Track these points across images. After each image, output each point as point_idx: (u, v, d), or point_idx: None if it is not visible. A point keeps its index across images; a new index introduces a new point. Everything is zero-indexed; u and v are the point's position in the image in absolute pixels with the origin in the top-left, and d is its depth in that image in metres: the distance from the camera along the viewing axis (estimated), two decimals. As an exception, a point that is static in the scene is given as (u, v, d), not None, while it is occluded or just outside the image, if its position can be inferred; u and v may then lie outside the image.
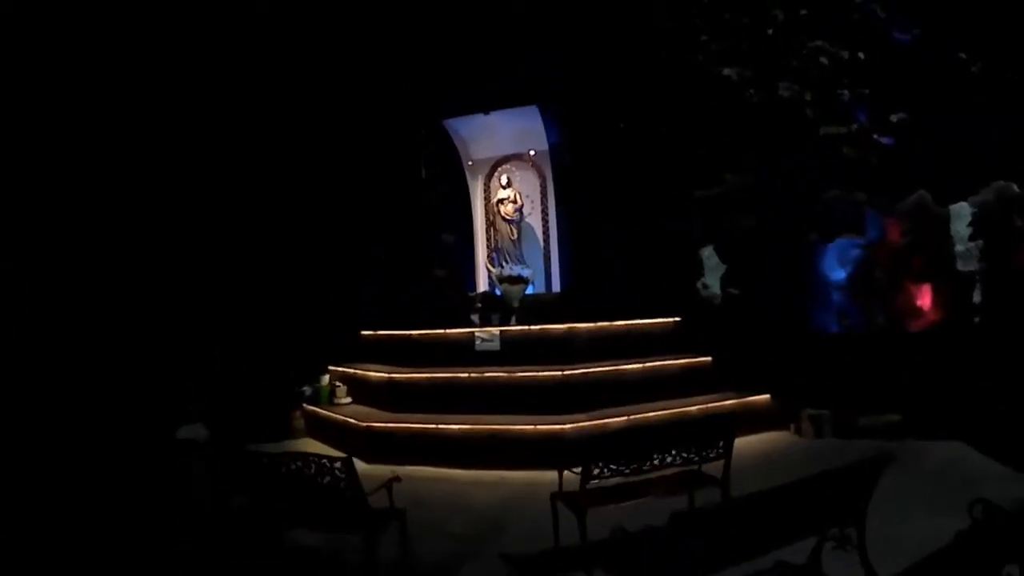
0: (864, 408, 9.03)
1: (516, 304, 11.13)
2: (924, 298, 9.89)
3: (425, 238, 12.87)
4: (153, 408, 10.29)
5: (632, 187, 11.51)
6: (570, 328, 9.71)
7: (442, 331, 10.27)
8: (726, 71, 10.83)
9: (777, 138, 10.67)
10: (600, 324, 9.96)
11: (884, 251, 10.14)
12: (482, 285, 13.14)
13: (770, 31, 10.97)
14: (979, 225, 9.61)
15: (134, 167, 11.15)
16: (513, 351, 9.62)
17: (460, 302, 12.02)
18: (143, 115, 11.25)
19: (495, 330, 9.90)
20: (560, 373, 8.89)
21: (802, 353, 9.75)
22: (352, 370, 10.91)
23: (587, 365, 9.22)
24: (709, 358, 9.90)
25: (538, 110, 11.86)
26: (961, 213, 9.69)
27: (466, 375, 9.31)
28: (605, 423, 8.40)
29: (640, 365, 9.45)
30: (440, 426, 8.64)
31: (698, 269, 10.92)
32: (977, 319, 9.49)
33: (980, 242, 9.58)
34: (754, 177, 10.80)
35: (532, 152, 12.86)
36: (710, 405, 9.08)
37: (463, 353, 9.84)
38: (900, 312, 9.92)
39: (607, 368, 9.23)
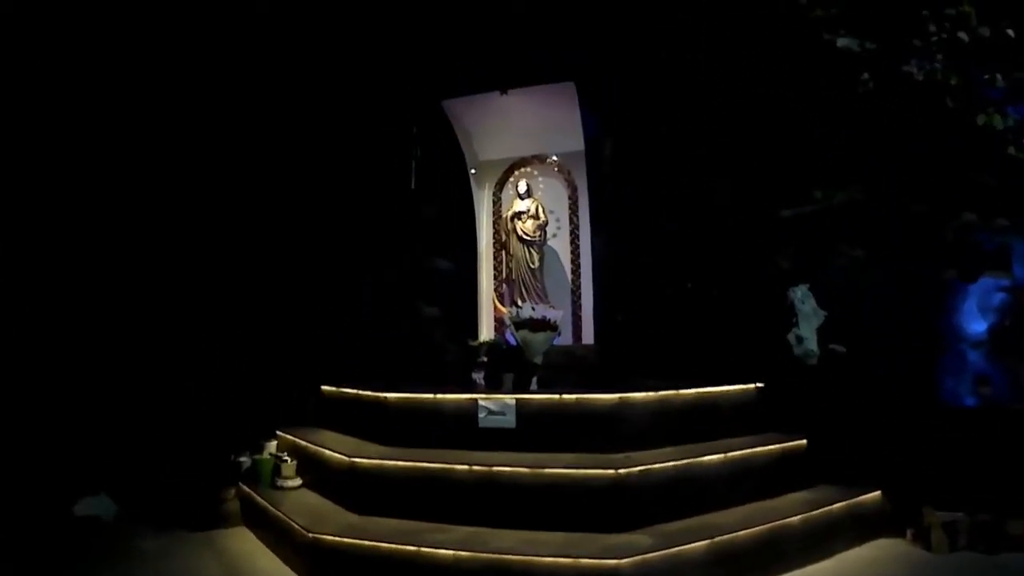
0: (1013, 510, 7.19)
1: (539, 360, 8.44)
2: (1091, 360, 8.11)
3: (412, 264, 10.54)
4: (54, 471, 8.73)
5: (696, 202, 9.37)
6: (622, 399, 7.11)
7: (431, 396, 7.67)
8: (841, 41, 8.53)
9: (901, 138, 8.52)
10: (663, 393, 7.44)
11: (1037, 296, 8.51)
12: (486, 330, 10.83)
13: None
14: None
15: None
16: (536, 431, 7.11)
17: (457, 354, 9.61)
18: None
19: (508, 398, 7.28)
20: (611, 471, 6.27)
21: (925, 433, 7.94)
22: (304, 441, 8.44)
23: (648, 455, 6.75)
24: (804, 440, 7.74)
25: (575, 89, 9.56)
26: None
27: (465, 468, 6.66)
28: (680, 551, 5.81)
29: (721, 456, 6.98)
30: (423, 548, 5.94)
31: (788, 316, 8.65)
32: None
33: None
34: (865, 191, 8.69)
35: (555, 158, 10.69)
36: (814, 512, 6.81)
37: (461, 430, 7.34)
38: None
39: (678, 462, 6.68)
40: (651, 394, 7.33)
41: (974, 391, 8.32)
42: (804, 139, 8.87)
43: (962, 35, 8.49)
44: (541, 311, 8.62)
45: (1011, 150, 8.09)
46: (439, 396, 7.67)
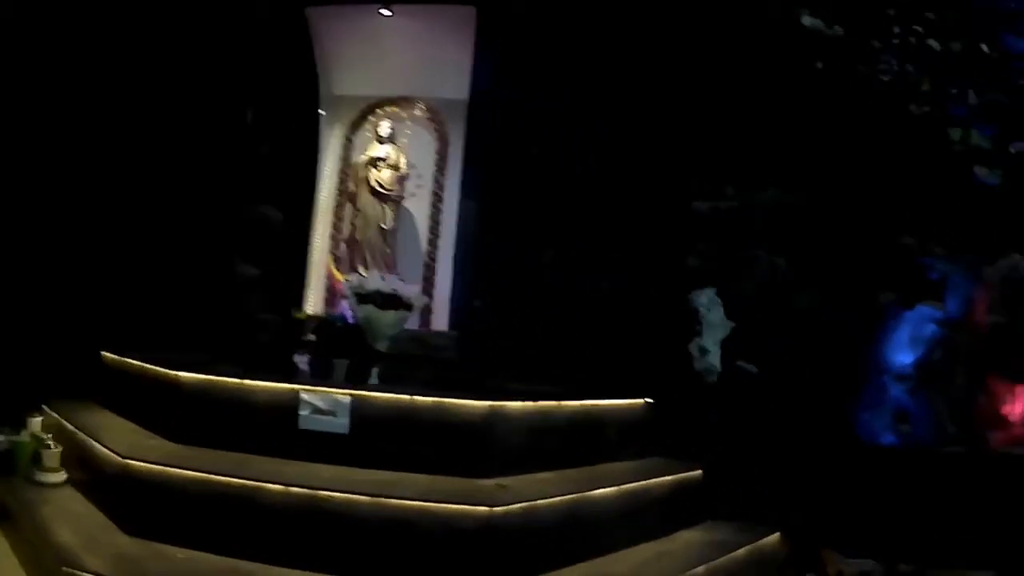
0: (933, 559, 7.04)
1: (383, 346, 7.00)
2: (1014, 404, 8.12)
3: (231, 210, 9.15)
4: None
5: (598, 177, 8.71)
6: (494, 408, 5.79)
7: (237, 380, 6.11)
8: (807, 20, 8.32)
9: (849, 142, 8.29)
10: (543, 404, 6.26)
11: (968, 332, 8.39)
12: (314, 301, 9.49)
13: None
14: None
15: None
16: (377, 441, 5.68)
17: (277, 328, 8.31)
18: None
19: (341, 394, 5.81)
20: (483, 508, 4.83)
21: (834, 470, 7.75)
22: (72, 425, 6.74)
23: (526, 484, 5.53)
24: (699, 470, 7.07)
25: (475, 17, 8.86)
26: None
27: (279, 488, 5.05)
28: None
29: (615, 489, 5.87)
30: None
31: (690, 323, 8.13)
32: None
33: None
34: (798, 194, 8.41)
35: (424, 105, 9.85)
36: (719, 560, 5.97)
37: (275, 431, 5.82)
38: (981, 421, 8.23)
39: (566, 497, 5.44)
40: (530, 404, 6.10)
41: (893, 428, 8.25)
42: (742, 127, 8.40)
43: (932, 43, 8.29)
44: (392, 283, 7.24)
45: (979, 170, 7.93)
46: (248, 382, 6.11)
